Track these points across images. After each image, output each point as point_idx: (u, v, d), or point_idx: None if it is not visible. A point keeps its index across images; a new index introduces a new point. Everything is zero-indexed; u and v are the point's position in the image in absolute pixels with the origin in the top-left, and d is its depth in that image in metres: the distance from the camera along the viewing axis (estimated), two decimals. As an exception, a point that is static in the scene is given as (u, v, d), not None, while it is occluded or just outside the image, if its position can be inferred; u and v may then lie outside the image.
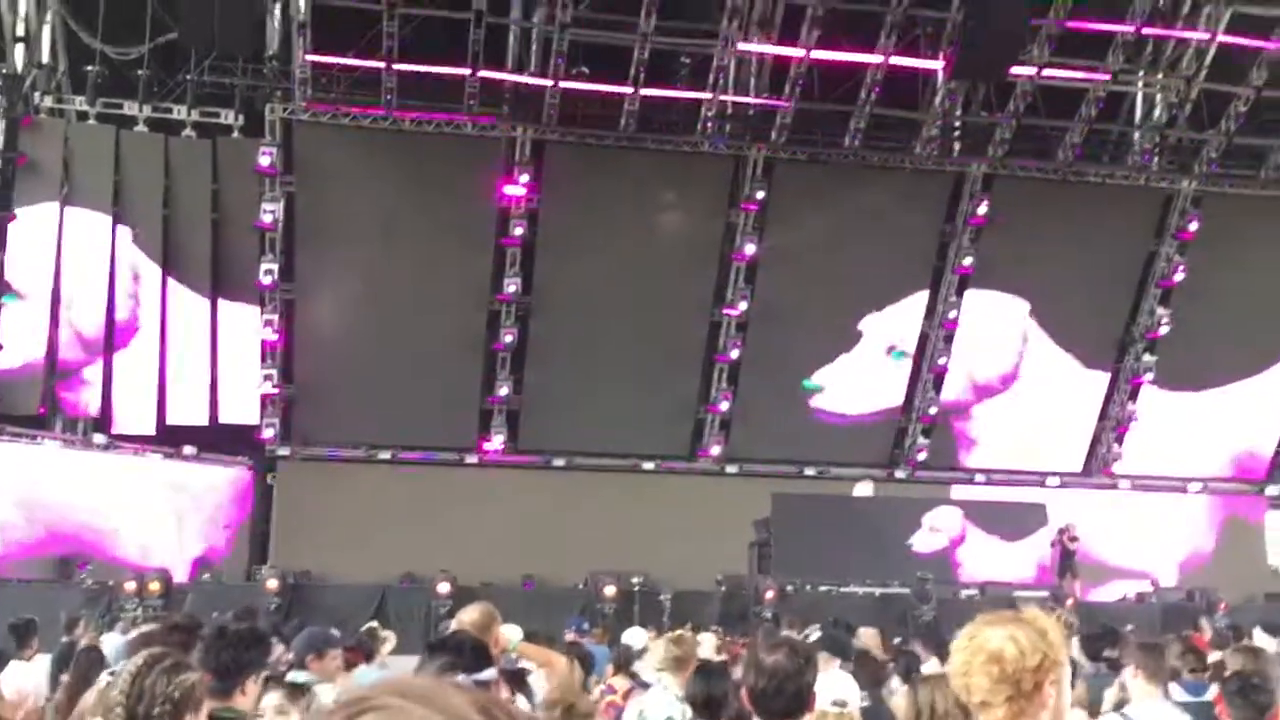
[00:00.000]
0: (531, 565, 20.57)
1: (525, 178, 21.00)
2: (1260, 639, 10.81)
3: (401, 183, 21.05)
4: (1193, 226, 22.87)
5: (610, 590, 17.84)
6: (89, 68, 20.81)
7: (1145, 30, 21.65)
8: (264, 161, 20.10)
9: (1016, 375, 23.58)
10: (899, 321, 22.89)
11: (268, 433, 21.13)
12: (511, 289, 21.25)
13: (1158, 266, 23.25)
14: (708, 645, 6.40)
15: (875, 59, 21.03)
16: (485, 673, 3.29)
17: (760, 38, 21.31)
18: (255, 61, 20.90)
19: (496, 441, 21.95)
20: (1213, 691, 5.86)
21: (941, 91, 22.21)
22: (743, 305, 22.09)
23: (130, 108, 21.24)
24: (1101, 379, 23.80)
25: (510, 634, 6.11)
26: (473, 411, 21.96)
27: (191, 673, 3.21)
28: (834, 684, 3.74)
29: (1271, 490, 24.91)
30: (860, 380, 22.93)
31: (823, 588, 19.09)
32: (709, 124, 21.76)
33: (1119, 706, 5.87)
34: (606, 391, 22.08)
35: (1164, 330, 23.17)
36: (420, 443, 22.04)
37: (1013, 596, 19.63)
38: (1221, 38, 21.73)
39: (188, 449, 20.89)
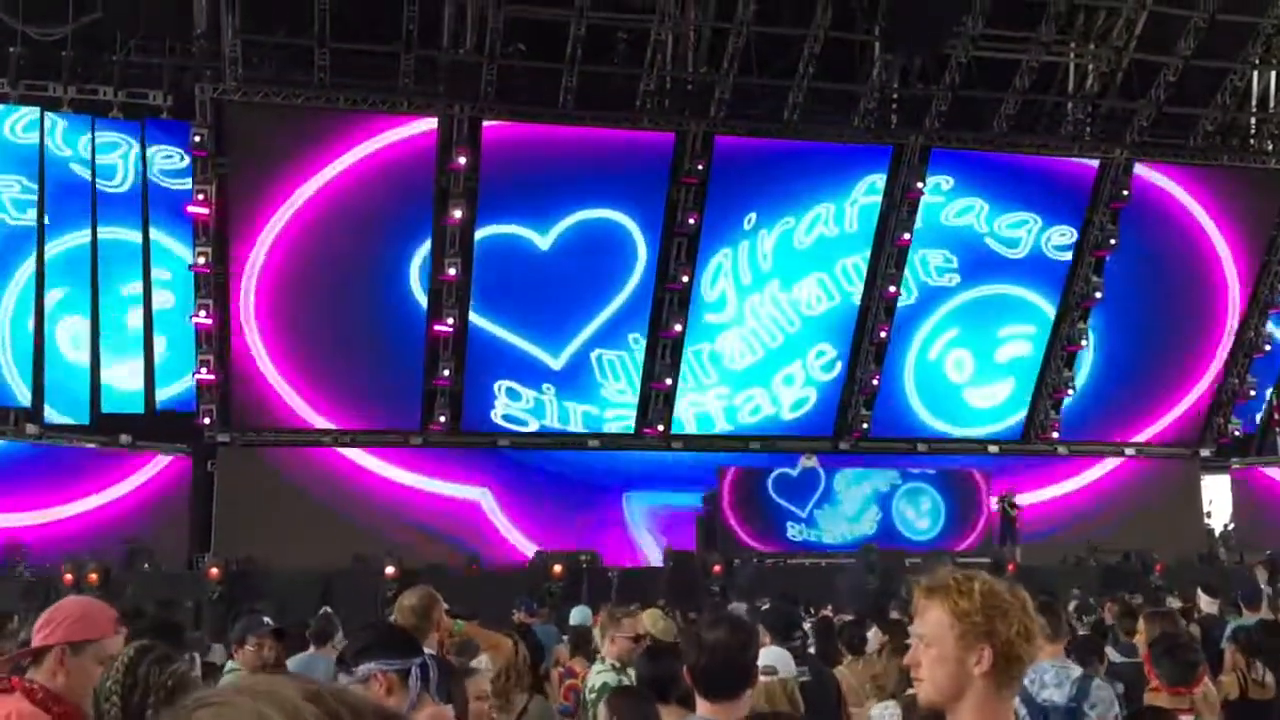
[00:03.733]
0: (479, 545, 20.52)
1: (463, 157, 20.76)
2: (1202, 600, 11.10)
3: (338, 161, 20.72)
4: (1125, 194, 23.28)
5: (557, 569, 17.84)
6: (10, 49, 20.22)
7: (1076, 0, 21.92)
8: (195, 141, 19.71)
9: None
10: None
11: (205, 419, 20.77)
12: (452, 270, 21.03)
13: (1092, 234, 23.59)
14: (651, 623, 6.43)
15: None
16: (402, 660, 3.24)
17: (697, 12, 21.27)
18: (183, 41, 20.45)
19: (440, 423, 21.78)
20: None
21: (878, 65, 22.31)
22: (684, 280, 22.09)
23: (55, 89, 20.70)
24: (1039, 347, 24.13)
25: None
26: (416, 393, 21.78)
27: (182, 663, 3.19)
28: (764, 657, 3.77)
29: (1204, 453, 25.47)
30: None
31: (769, 560, 19.22)
32: (647, 100, 21.69)
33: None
34: (549, 369, 22.07)
35: (1098, 297, 23.60)
36: (363, 425, 21.85)
37: (956, 562, 19.95)
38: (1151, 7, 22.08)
39: (124, 437, 20.49)
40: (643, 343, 22.44)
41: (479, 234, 21.32)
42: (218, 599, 16.37)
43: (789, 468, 21.89)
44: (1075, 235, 23.61)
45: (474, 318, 21.61)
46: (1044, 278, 23.83)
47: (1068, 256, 23.73)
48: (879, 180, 22.63)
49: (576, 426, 22.56)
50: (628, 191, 21.86)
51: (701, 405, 22.99)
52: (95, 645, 3.37)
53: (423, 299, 21.41)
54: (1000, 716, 2.44)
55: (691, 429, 23.06)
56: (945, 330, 23.76)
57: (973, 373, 24.01)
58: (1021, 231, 23.52)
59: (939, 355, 23.85)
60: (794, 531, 20.53)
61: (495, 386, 22.09)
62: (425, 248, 21.24)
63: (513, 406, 22.17)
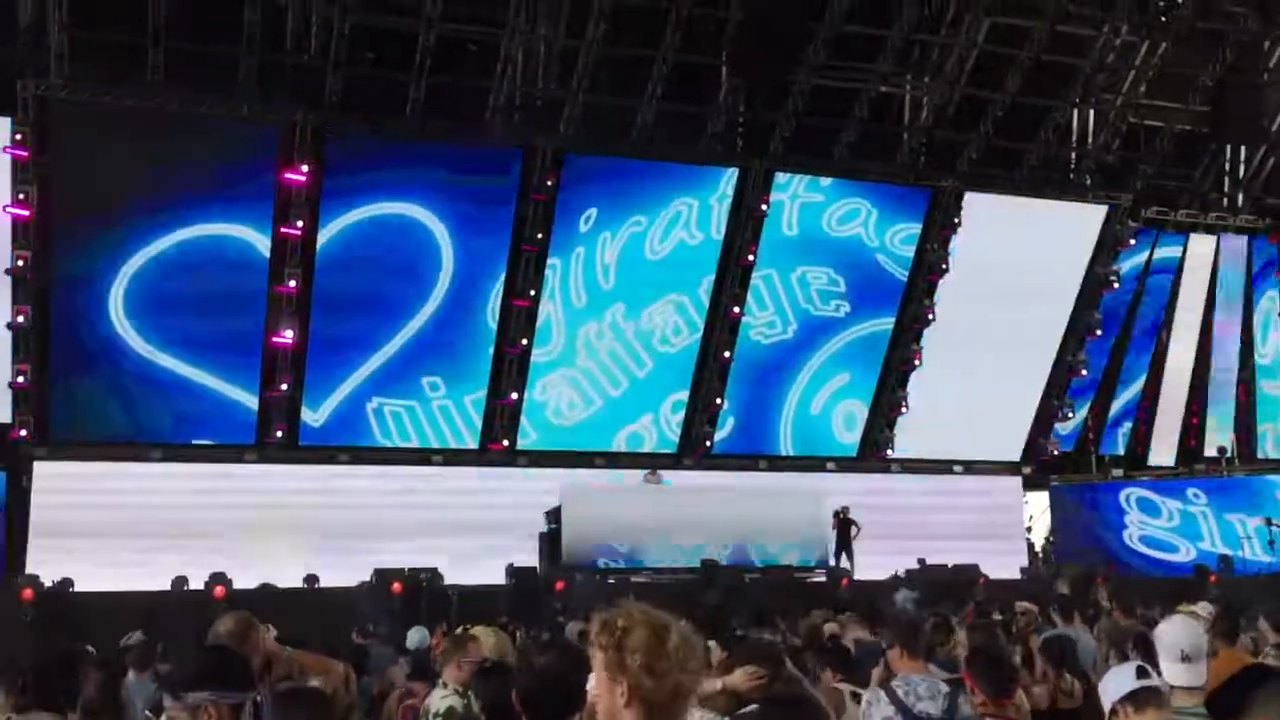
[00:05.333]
0: (315, 565, 19.95)
1: (306, 166, 20.26)
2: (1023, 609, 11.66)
3: (170, 167, 19.95)
4: (956, 222, 24.34)
5: (396, 587, 17.48)
6: None
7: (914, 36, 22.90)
8: (15, 140, 18.73)
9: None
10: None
11: (22, 430, 19.64)
12: (292, 283, 20.46)
13: (926, 259, 24.54)
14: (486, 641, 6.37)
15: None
16: (237, 693, 3.10)
17: (548, 28, 21.33)
18: (4, 34, 19.40)
19: (277, 437, 21.13)
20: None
21: (725, 88, 22.79)
22: (531, 293, 22.03)
23: None
24: (874, 367, 24.92)
25: None
26: (251, 407, 21.09)
27: None
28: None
29: (1027, 470, 26.71)
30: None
31: (612, 578, 19.25)
32: (497, 114, 21.63)
33: (884, 683, 6.14)
34: (393, 382, 21.73)
35: (931, 319, 24.54)
36: (195, 439, 21.01)
37: (793, 577, 20.43)
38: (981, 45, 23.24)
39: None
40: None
41: (320, 244, 20.83)
42: (31, 625, 15.46)
43: (634, 484, 21.98)
44: (910, 258, 24.53)
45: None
46: (881, 300, 24.68)
47: (903, 278, 24.64)
48: (726, 201, 23.05)
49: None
50: (464, 206, 21.67)
51: (550, 422, 22.92)
52: None
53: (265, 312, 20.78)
54: None
55: (537, 444, 22.94)
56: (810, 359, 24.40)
57: (829, 396, 24.67)
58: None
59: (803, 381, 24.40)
60: (636, 550, 20.55)
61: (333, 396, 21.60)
62: (267, 256, 20.61)
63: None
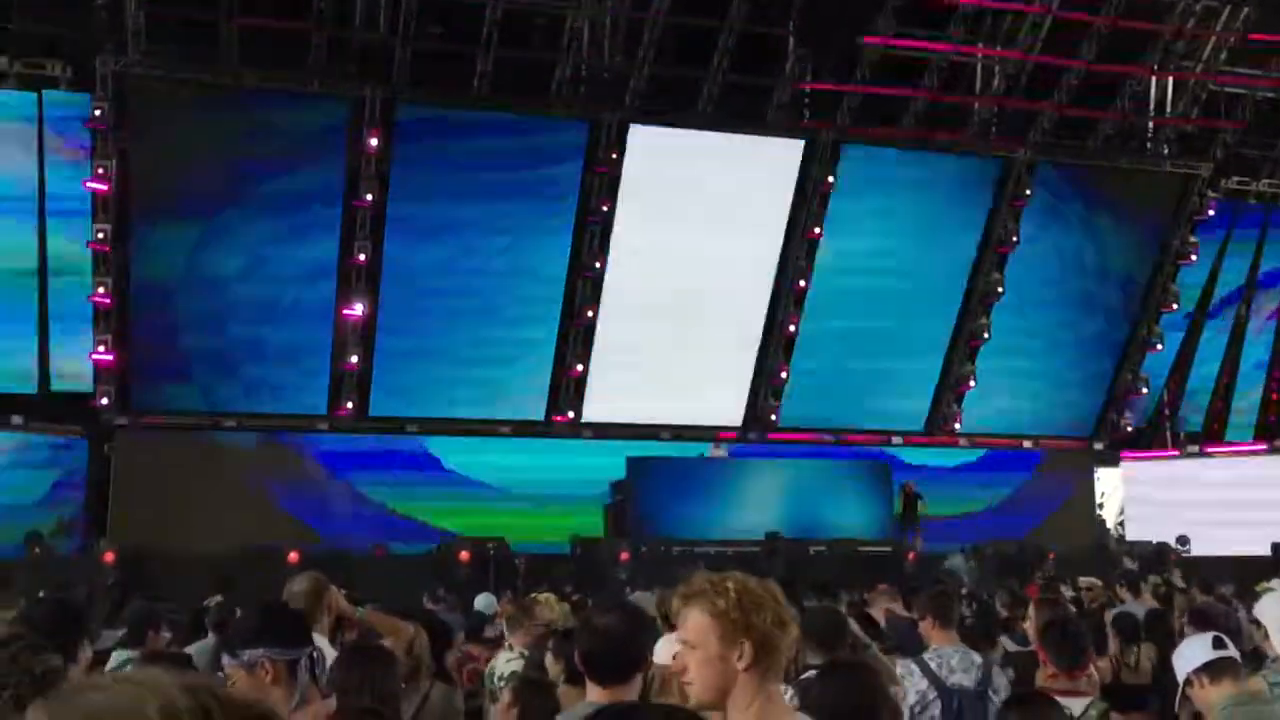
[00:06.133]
0: (386, 532, 20.34)
1: (375, 139, 20.49)
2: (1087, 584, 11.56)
3: (245, 141, 20.30)
4: (1027, 194, 23.89)
5: (464, 555, 17.76)
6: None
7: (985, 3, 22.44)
8: (95, 115, 19.17)
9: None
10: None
11: (103, 400, 20.21)
12: (363, 255, 20.75)
13: (996, 232, 24.15)
14: (550, 607, 6.47)
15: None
16: (292, 649, 3.17)
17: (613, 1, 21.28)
18: (84, 11, 19.83)
19: (348, 408, 21.50)
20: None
21: (792, 59, 22.56)
22: (597, 266, 22.09)
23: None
24: (941, 341, 24.64)
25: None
26: (323, 377, 21.47)
27: (54, 656, 3.09)
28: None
29: (1098, 445, 26.27)
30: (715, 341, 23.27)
31: (676, 549, 19.35)
32: (563, 87, 21.65)
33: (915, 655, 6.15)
34: (459, 356, 21.93)
35: (1000, 293, 24.16)
36: (268, 409, 21.46)
37: (858, 551, 20.36)
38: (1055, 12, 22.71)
39: (15, 419, 19.85)
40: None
41: (390, 217, 21.07)
42: (113, 585, 15.97)
43: (698, 456, 22.05)
44: (980, 230, 24.15)
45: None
46: (950, 272, 24.34)
47: (972, 250, 24.27)
48: (791, 173, 22.86)
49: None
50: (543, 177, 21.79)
51: (614, 394, 22.98)
52: None
53: (331, 281, 21.10)
54: (768, 705, 2.58)
55: (602, 417, 23.04)
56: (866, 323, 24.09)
57: (896, 368, 24.43)
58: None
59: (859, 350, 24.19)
60: (703, 519, 20.64)
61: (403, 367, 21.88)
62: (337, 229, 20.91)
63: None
